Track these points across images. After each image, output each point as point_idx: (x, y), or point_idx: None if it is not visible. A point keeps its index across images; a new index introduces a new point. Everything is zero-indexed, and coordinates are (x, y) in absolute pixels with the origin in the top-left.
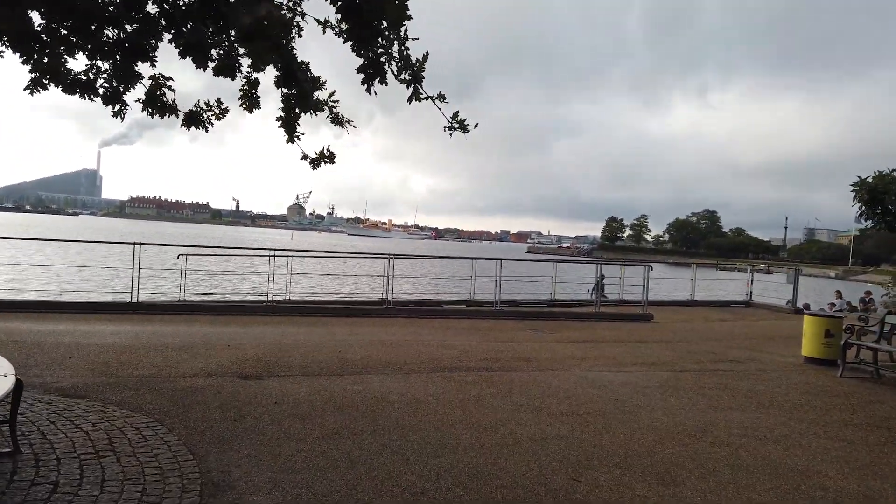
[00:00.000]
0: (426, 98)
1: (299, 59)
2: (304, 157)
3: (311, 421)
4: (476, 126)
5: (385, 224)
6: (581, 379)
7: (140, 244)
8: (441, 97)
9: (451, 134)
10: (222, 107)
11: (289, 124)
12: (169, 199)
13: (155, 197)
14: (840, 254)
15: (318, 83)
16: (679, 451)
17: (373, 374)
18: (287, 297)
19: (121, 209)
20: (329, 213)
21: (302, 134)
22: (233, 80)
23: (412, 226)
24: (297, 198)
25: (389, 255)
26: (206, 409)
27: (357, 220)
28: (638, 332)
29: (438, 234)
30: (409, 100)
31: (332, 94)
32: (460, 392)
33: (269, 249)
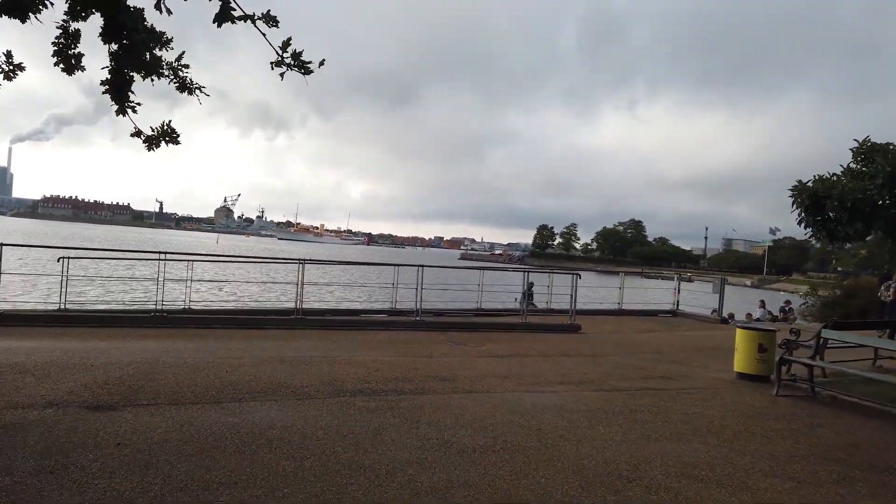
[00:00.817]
0: (242, 18)
1: (131, 5)
2: (137, 132)
3: (155, 471)
4: (322, 65)
5: (317, 228)
6: (501, 403)
7: (2, 244)
8: (269, 19)
9: (282, 76)
10: (12, 62)
11: (118, 90)
12: (86, 200)
13: (71, 197)
14: (755, 263)
15: (157, 37)
16: (610, 501)
17: (259, 400)
18: (186, 306)
19: (33, 209)
20: (258, 217)
21: (137, 104)
22: (23, 21)
23: (345, 231)
24: (226, 200)
25: (301, 259)
26: (19, 457)
27: (288, 224)
28: (565, 345)
29: (372, 239)
30: (218, 20)
31: (181, 56)
32: (358, 423)
33: (161, 252)
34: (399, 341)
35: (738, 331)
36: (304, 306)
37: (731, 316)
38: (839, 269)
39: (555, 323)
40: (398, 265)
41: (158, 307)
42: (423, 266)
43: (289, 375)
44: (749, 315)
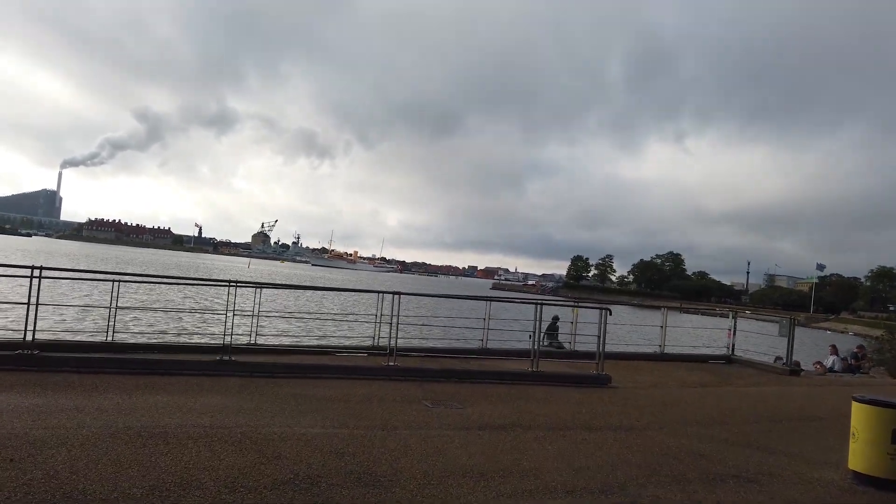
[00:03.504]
0: None
1: None
2: None
3: None
4: None
5: (350, 256)
6: None
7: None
8: None
9: None
10: None
11: None
12: (129, 224)
13: (114, 220)
14: (799, 300)
15: None
16: None
17: None
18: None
19: (78, 232)
20: (294, 243)
21: None
22: None
23: (378, 258)
24: (263, 226)
25: (230, 282)
26: None
27: (323, 250)
28: (588, 407)
29: (405, 267)
30: None
31: None
32: None
33: (31, 267)
34: (355, 398)
35: (858, 406)
36: (256, 341)
37: (798, 365)
38: (891, 307)
39: (577, 373)
40: (381, 292)
41: (26, 338)
42: (398, 294)
43: (116, 469)
44: (819, 364)
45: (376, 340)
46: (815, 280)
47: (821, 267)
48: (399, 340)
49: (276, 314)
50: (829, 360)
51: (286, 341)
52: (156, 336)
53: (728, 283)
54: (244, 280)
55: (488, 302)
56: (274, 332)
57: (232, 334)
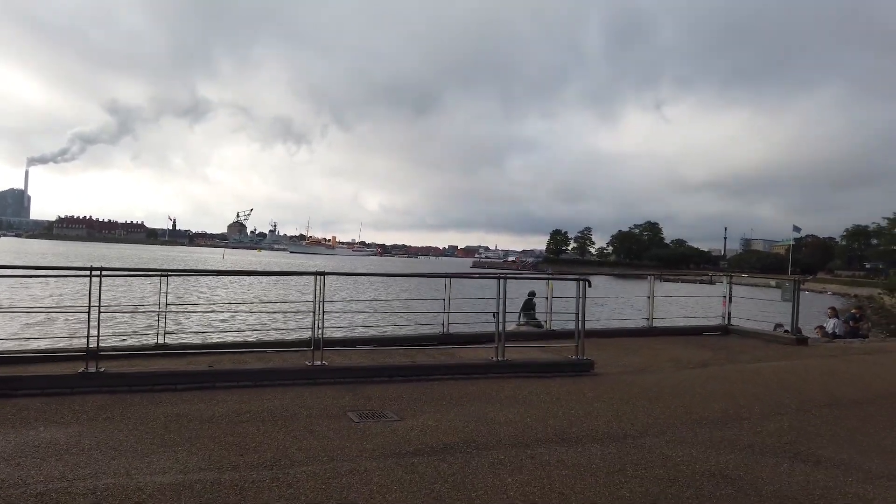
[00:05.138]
0: None
1: None
2: None
3: None
4: None
5: (329, 241)
6: None
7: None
8: None
9: None
10: None
11: None
12: (100, 220)
13: (85, 217)
14: (777, 263)
15: None
16: None
17: None
18: None
19: (48, 230)
20: (271, 231)
21: None
22: None
23: (358, 242)
24: (238, 216)
25: (92, 269)
26: None
27: (301, 237)
28: (565, 408)
29: (385, 250)
30: None
31: None
32: None
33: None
34: (256, 416)
35: None
36: (163, 341)
37: (799, 331)
38: (867, 265)
39: (552, 359)
40: (323, 273)
41: None
42: (322, 274)
43: None
44: (820, 328)
45: (320, 331)
46: (792, 242)
47: (797, 229)
48: (337, 332)
49: (185, 306)
50: (830, 324)
51: (195, 340)
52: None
53: (706, 250)
54: (114, 267)
55: (448, 279)
56: (179, 330)
57: (99, 336)
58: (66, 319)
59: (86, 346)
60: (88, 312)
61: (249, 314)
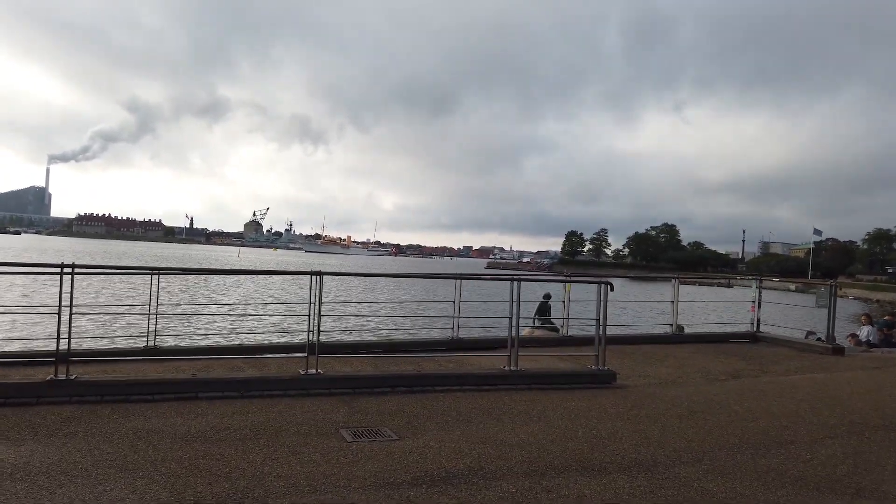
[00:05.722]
0: None
1: None
2: None
3: None
4: None
5: (344, 241)
6: None
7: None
8: None
9: None
10: None
11: None
12: (119, 217)
13: (104, 215)
14: (797, 266)
15: None
16: None
17: None
18: None
19: (68, 227)
20: (287, 230)
21: None
22: None
23: (373, 242)
24: (255, 214)
25: (63, 266)
26: None
27: (316, 236)
28: (586, 428)
29: (400, 250)
30: None
31: None
32: None
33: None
34: (236, 433)
35: None
36: (154, 343)
37: (834, 339)
38: (889, 269)
39: (570, 369)
40: (320, 273)
41: None
42: (319, 274)
43: None
44: (853, 336)
45: (314, 336)
46: (812, 245)
47: (818, 232)
48: (339, 336)
49: (179, 310)
50: (864, 332)
51: (187, 344)
52: None
53: (724, 253)
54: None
55: (458, 281)
56: (173, 333)
57: (70, 338)
58: (38, 322)
59: (55, 350)
60: (59, 313)
61: (249, 316)
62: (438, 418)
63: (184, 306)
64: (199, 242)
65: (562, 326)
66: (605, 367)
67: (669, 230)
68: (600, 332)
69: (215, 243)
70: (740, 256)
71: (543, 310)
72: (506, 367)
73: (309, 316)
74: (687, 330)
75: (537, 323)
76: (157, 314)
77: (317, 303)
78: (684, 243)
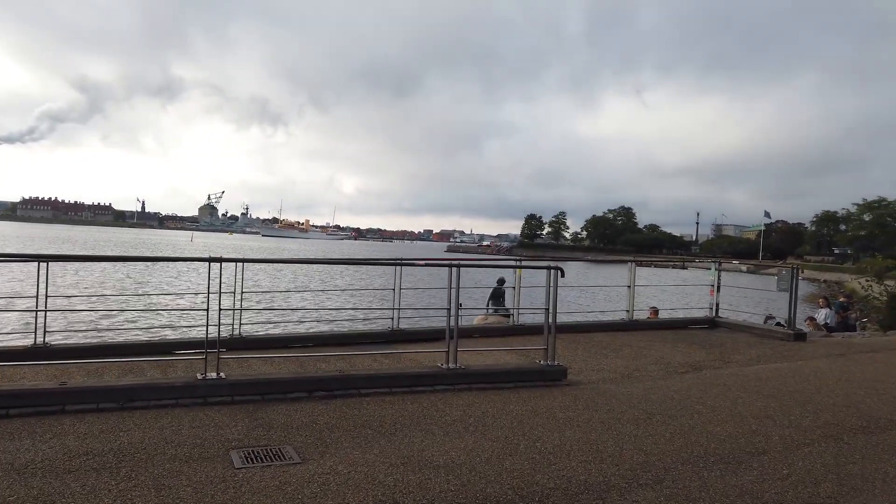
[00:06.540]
0: None
1: None
2: None
3: None
4: None
5: (302, 224)
6: None
7: None
8: None
9: None
10: None
11: None
12: (66, 201)
13: (50, 198)
14: (748, 248)
15: None
16: None
17: None
18: None
19: (12, 211)
20: (243, 214)
21: None
22: None
23: (332, 226)
24: (209, 198)
25: None
26: None
27: (274, 220)
28: (529, 439)
29: (360, 234)
30: None
31: None
32: None
33: None
34: (103, 458)
35: None
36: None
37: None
38: (835, 250)
39: (514, 367)
40: (219, 260)
41: None
42: (218, 260)
43: None
44: (811, 320)
45: (235, 329)
46: (762, 228)
47: (767, 215)
48: (257, 327)
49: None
50: (822, 314)
51: (80, 342)
52: None
53: (678, 235)
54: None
55: (397, 267)
56: (66, 330)
57: None
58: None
59: None
60: None
61: (161, 311)
62: (356, 431)
63: (81, 298)
64: (152, 227)
65: (510, 315)
66: (555, 363)
67: (626, 213)
68: (550, 322)
69: (168, 227)
70: (694, 239)
71: (497, 295)
72: (443, 365)
73: (207, 310)
74: (642, 316)
75: (491, 310)
76: (45, 309)
77: (215, 293)
78: (641, 226)
